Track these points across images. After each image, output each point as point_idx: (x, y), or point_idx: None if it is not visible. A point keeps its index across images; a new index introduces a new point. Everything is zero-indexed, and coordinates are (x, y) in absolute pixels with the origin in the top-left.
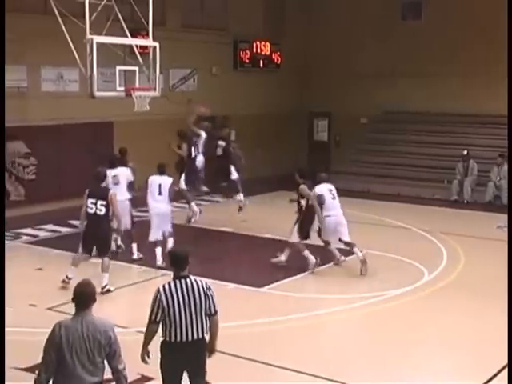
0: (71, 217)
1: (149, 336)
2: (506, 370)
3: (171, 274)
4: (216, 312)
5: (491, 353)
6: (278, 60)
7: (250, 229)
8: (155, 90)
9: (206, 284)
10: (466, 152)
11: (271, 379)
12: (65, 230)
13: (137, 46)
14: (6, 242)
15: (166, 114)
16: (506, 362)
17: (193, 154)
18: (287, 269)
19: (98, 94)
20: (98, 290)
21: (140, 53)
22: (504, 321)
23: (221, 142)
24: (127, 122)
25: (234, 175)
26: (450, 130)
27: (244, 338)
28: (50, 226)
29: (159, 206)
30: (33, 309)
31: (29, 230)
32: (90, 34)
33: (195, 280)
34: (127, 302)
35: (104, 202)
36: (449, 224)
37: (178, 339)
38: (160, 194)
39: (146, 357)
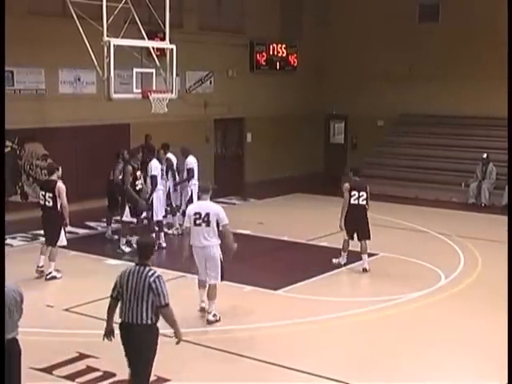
0: (88, 218)
1: (108, 310)
2: None
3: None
4: (165, 305)
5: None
6: (294, 62)
7: (267, 231)
8: (172, 92)
9: (154, 277)
10: (485, 155)
11: (286, 381)
12: (82, 231)
13: (154, 48)
14: (24, 243)
15: (183, 116)
16: None
17: None
18: (303, 271)
19: (114, 96)
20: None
21: (157, 55)
22: None
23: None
24: (144, 123)
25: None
26: (467, 133)
27: (258, 341)
28: (68, 228)
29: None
30: (50, 310)
31: None
32: (108, 36)
33: (149, 270)
34: None
35: (51, 194)
36: (466, 227)
37: (122, 318)
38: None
39: (109, 337)
